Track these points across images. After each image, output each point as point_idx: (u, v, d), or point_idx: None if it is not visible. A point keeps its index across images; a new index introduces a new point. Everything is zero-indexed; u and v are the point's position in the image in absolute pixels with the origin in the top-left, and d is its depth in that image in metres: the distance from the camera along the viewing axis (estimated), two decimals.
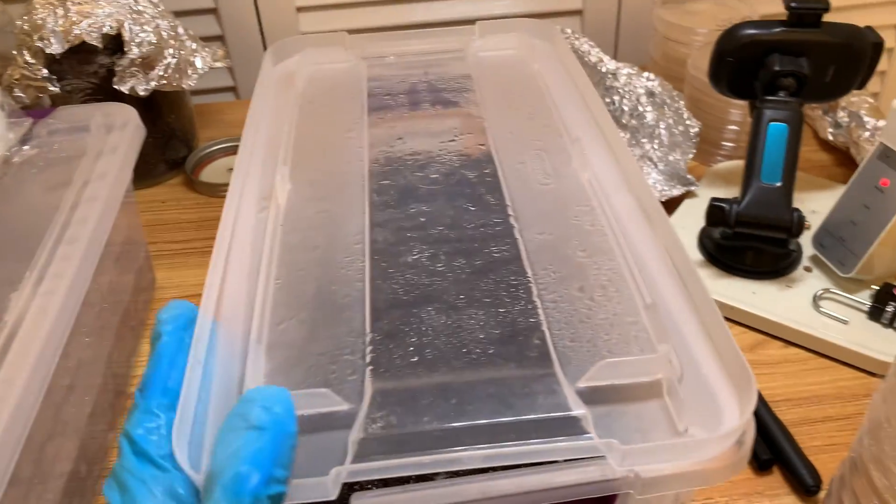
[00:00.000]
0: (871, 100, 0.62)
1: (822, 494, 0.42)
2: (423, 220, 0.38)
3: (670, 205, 0.61)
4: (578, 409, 0.28)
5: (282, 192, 0.40)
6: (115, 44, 0.63)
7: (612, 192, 0.40)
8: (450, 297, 0.33)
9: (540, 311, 0.32)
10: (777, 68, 0.50)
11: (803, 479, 0.42)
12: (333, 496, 0.26)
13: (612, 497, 0.28)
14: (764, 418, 0.45)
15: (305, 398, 0.28)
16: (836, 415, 0.47)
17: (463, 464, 0.26)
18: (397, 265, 0.35)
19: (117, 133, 0.50)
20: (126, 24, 0.62)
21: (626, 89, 0.66)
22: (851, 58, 0.50)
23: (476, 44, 0.54)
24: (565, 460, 0.26)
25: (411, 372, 0.30)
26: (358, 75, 0.52)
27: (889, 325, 0.49)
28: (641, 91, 0.65)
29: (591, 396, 0.29)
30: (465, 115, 0.47)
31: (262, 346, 0.31)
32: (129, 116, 0.52)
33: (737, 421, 0.27)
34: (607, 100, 0.68)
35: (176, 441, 0.26)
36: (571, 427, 0.27)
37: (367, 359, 0.30)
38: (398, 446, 0.27)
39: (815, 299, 0.52)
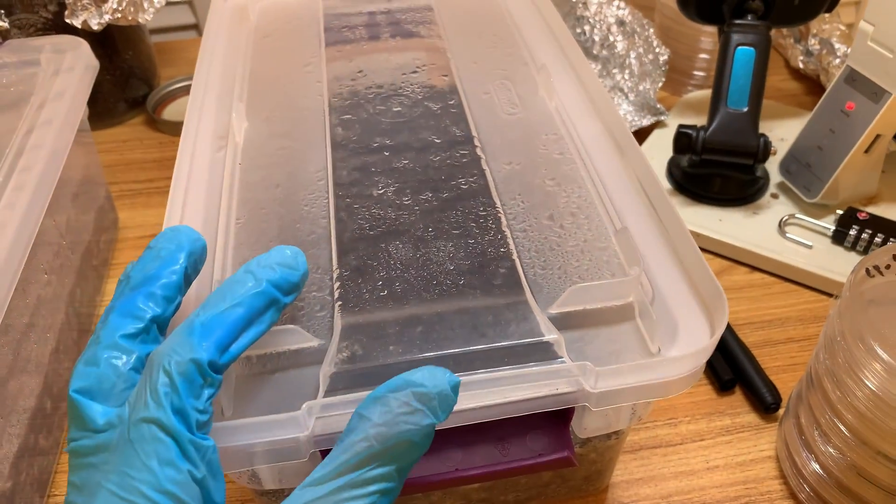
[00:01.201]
0: (843, 27, 0.62)
1: (781, 412, 0.43)
2: (386, 153, 0.37)
3: (640, 135, 0.61)
4: (551, 335, 0.28)
5: (239, 130, 0.39)
6: None
7: (580, 119, 0.39)
8: (417, 231, 0.32)
9: (510, 241, 0.32)
10: None
11: (763, 398, 0.43)
12: (307, 430, 0.25)
13: (570, 410, 0.28)
14: (727, 341, 0.45)
15: (275, 336, 0.28)
16: (797, 336, 0.48)
17: None
18: (362, 200, 0.34)
19: (68, 63, 0.48)
20: None
21: (597, 19, 0.64)
22: None
23: None
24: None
25: (381, 305, 0.29)
26: (314, 7, 0.50)
27: (852, 248, 0.50)
28: (612, 20, 0.64)
29: (564, 322, 0.29)
30: (427, 46, 0.45)
31: None
32: (79, 47, 0.49)
33: (708, 339, 0.27)
34: (578, 30, 0.67)
35: None
36: (544, 352, 0.27)
37: (336, 294, 0.30)
38: (370, 378, 0.27)
39: (781, 225, 0.52)
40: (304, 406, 0.25)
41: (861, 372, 0.33)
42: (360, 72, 0.43)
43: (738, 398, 0.44)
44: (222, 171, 0.36)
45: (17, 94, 0.45)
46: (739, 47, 0.50)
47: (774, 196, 0.55)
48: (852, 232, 0.49)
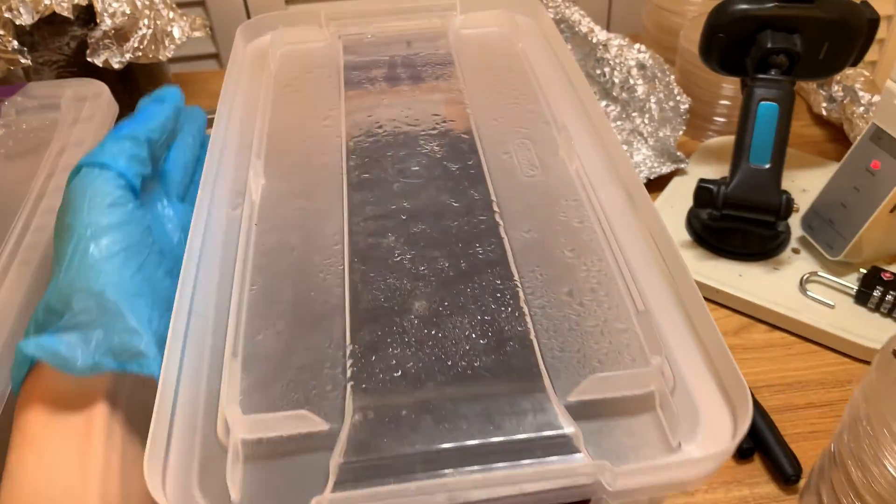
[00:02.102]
0: (866, 73, 0.61)
1: (802, 482, 0.42)
2: (404, 217, 0.37)
3: (660, 182, 0.60)
4: (569, 427, 0.27)
5: (256, 188, 0.38)
6: (88, 14, 0.60)
7: (601, 185, 0.38)
8: (433, 304, 0.32)
9: (527, 318, 0.31)
10: (769, 45, 0.48)
11: (783, 468, 0.42)
12: None
13: (586, 501, 0.28)
14: None
15: (285, 420, 0.27)
16: (818, 401, 0.46)
17: (450, 489, 0.25)
18: (378, 268, 0.34)
19: (88, 111, 0.48)
20: None
21: (617, 61, 0.64)
22: (846, 35, 0.49)
23: (457, 21, 0.52)
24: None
25: (394, 388, 0.29)
26: (334, 56, 0.49)
27: (875, 309, 0.49)
28: (632, 63, 0.63)
29: (582, 411, 0.28)
30: (447, 100, 0.45)
31: (237, 360, 0.30)
32: (100, 92, 0.49)
33: (730, 440, 0.27)
34: (598, 71, 0.66)
35: (148, 474, 0.25)
36: (562, 447, 0.26)
37: (348, 373, 0.29)
38: (381, 471, 0.26)
39: (802, 282, 0.51)
40: (312, 502, 0.24)
41: (886, 458, 0.32)
42: (379, 127, 0.43)
43: (756, 467, 0.43)
44: (238, 231, 0.36)
45: (37, 140, 0.45)
46: (762, 102, 0.49)
47: (796, 251, 0.54)
48: (876, 293, 0.48)
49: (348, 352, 0.30)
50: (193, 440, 0.28)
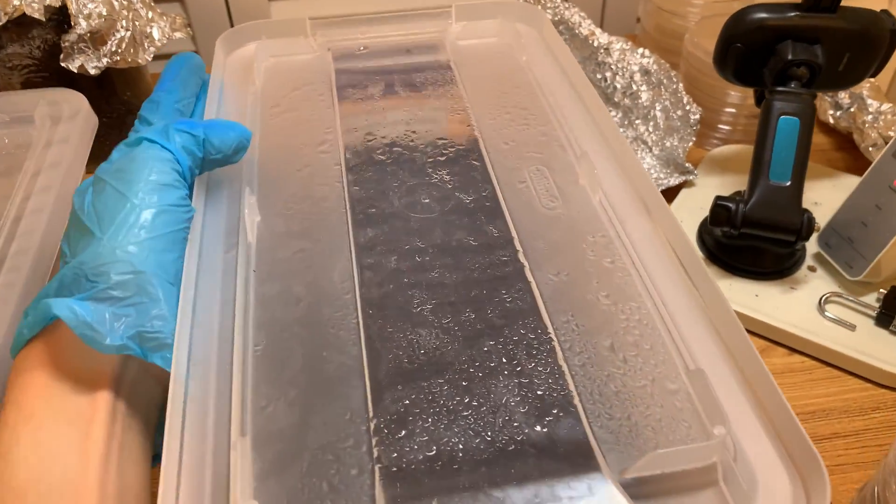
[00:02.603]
0: (871, 79, 0.59)
1: None
2: (418, 259, 0.33)
3: (667, 194, 0.57)
4: None
5: (251, 228, 0.35)
6: (61, 15, 0.55)
7: (627, 216, 0.35)
8: (462, 364, 0.29)
9: (569, 380, 0.28)
10: (790, 57, 0.46)
11: None
12: None
13: None
14: None
15: None
16: (842, 431, 0.44)
17: None
18: (396, 321, 0.30)
19: (66, 124, 0.43)
20: None
21: (619, 66, 0.61)
22: (868, 45, 0.46)
23: (454, 30, 0.49)
24: None
25: (427, 469, 0.25)
26: (324, 71, 0.45)
27: None
28: (636, 69, 0.60)
29: (638, 489, 0.25)
30: (452, 122, 0.41)
31: (247, 440, 0.26)
32: (79, 108, 0.45)
33: None
34: (598, 76, 0.63)
35: None
36: None
37: (374, 453, 0.26)
38: None
39: (821, 303, 0.49)
40: None
41: None
42: (381, 153, 0.39)
43: None
44: (234, 279, 0.32)
45: (10, 161, 0.41)
46: (783, 116, 0.47)
47: (812, 269, 0.52)
48: None
49: (372, 427, 0.27)
50: None
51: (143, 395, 0.30)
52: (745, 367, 0.28)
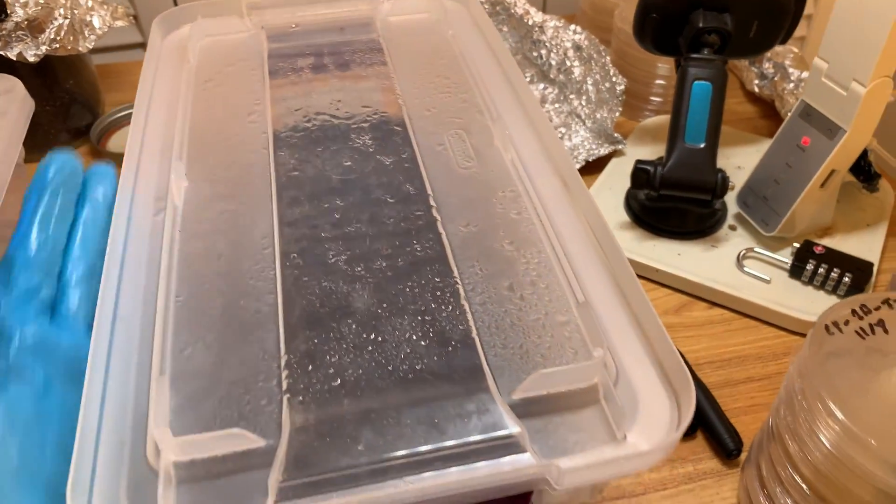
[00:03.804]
0: (795, 50, 0.62)
1: (742, 456, 0.42)
2: (337, 216, 0.35)
3: (599, 164, 0.60)
4: (514, 427, 0.26)
5: (178, 192, 0.36)
6: None
7: (537, 174, 0.38)
8: (371, 306, 0.31)
9: (469, 317, 0.30)
10: (701, 25, 0.49)
11: (725, 444, 0.42)
12: None
13: (528, 493, 0.27)
14: None
15: (217, 440, 0.26)
16: (757, 375, 0.47)
17: (394, 499, 0.24)
18: (312, 271, 0.32)
19: (0, 105, 0.45)
20: None
21: (553, 43, 0.63)
22: (775, 13, 0.49)
23: (385, 7, 0.51)
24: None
25: (332, 398, 0.27)
26: (257, 48, 0.47)
27: (809, 282, 0.50)
28: (569, 45, 0.63)
29: (526, 409, 0.27)
30: (378, 91, 0.44)
31: (165, 378, 0.28)
32: (12, 87, 0.46)
33: (674, 430, 0.26)
34: (535, 53, 0.65)
35: (72, 501, 0.24)
36: (509, 447, 0.26)
37: (284, 385, 0.28)
38: (323, 486, 0.25)
39: (739, 259, 0.52)
40: None
41: (819, 431, 0.32)
42: (307, 121, 0.41)
43: (699, 443, 0.44)
44: (161, 239, 0.34)
45: None
46: (696, 82, 0.49)
47: (732, 228, 0.54)
48: (809, 266, 0.49)
49: (283, 363, 0.29)
50: (121, 464, 0.26)
51: None
52: (632, 301, 0.31)
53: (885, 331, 0.33)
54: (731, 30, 0.49)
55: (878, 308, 0.34)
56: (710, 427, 0.43)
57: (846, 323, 0.34)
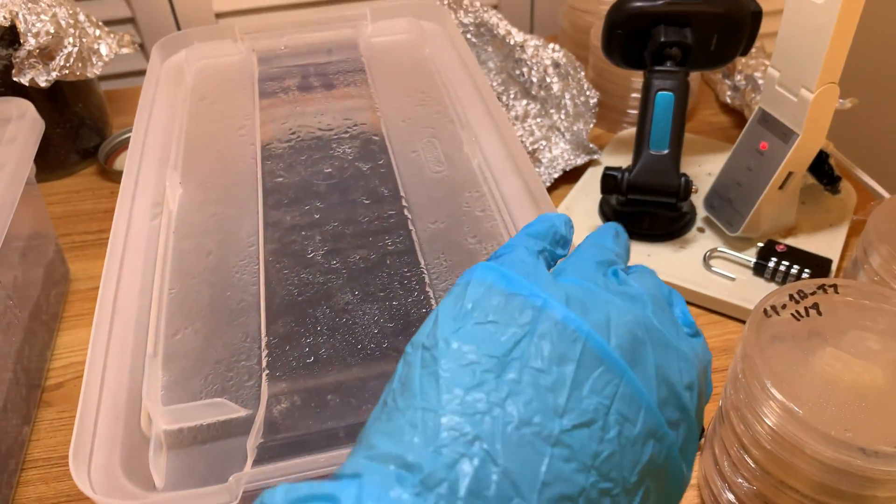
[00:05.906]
0: (767, 62, 0.65)
1: (702, 441, 0.45)
2: (317, 216, 0.39)
3: (576, 173, 0.63)
4: None
5: (173, 198, 0.40)
6: (12, 34, 0.61)
7: (502, 177, 0.41)
8: (345, 294, 0.34)
9: (432, 301, 0.33)
10: (662, 39, 0.52)
11: None
12: (236, 500, 0.26)
13: None
14: None
15: (203, 409, 0.29)
16: (719, 367, 0.50)
17: None
18: (292, 265, 0.36)
19: (13, 128, 0.49)
20: (20, 15, 0.60)
21: (534, 61, 0.67)
22: (732, 27, 0.52)
23: (368, 30, 0.54)
24: None
25: (306, 373, 0.31)
26: (249, 69, 0.51)
27: (771, 279, 0.52)
28: (548, 62, 0.66)
29: None
30: (359, 106, 0.47)
31: (158, 359, 0.31)
32: (25, 111, 0.50)
33: None
34: (517, 72, 0.69)
35: (74, 466, 0.27)
36: None
37: (264, 363, 0.31)
38: (296, 448, 0.28)
39: (706, 258, 0.55)
40: (231, 478, 0.26)
41: (760, 410, 0.35)
42: (293, 133, 0.45)
43: None
44: (157, 240, 0.38)
45: None
46: (659, 92, 0.53)
47: (701, 230, 0.57)
48: (771, 264, 0.52)
49: (263, 343, 0.32)
50: (117, 433, 0.29)
51: None
52: None
53: (819, 313, 0.36)
54: (691, 43, 0.52)
55: (813, 293, 0.37)
56: None
57: (783, 307, 0.37)
